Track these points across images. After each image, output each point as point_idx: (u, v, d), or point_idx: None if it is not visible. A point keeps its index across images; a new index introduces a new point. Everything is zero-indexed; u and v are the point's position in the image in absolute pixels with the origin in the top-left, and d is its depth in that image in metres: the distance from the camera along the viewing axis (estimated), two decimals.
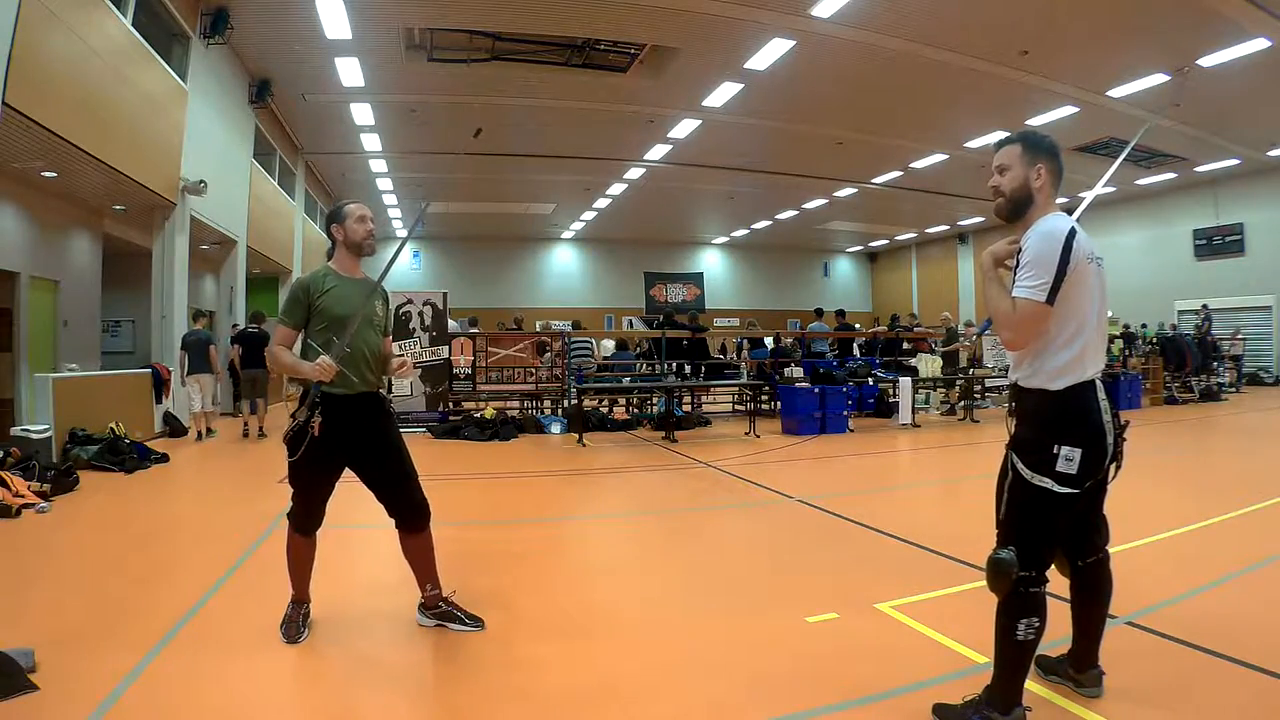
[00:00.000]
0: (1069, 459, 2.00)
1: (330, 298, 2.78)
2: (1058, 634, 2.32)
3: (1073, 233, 2.03)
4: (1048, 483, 2.02)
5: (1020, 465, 2.08)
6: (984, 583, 2.12)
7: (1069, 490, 2.02)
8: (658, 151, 16.14)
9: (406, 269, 24.58)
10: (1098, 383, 2.09)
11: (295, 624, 2.84)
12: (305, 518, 2.86)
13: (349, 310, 2.77)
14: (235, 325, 12.37)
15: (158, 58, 8.96)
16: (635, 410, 11.52)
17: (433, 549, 2.96)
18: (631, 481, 6.76)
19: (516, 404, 11.05)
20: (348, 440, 2.79)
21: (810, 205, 21.96)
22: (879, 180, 18.95)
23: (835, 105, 13.32)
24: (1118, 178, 18.22)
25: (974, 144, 15.39)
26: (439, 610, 2.95)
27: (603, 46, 11.26)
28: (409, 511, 2.87)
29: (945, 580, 3.47)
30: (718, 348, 16.28)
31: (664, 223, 24.80)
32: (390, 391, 9.74)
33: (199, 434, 9.28)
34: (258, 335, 9.85)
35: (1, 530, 4.60)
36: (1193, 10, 9.43)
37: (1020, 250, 2.08)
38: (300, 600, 2.92)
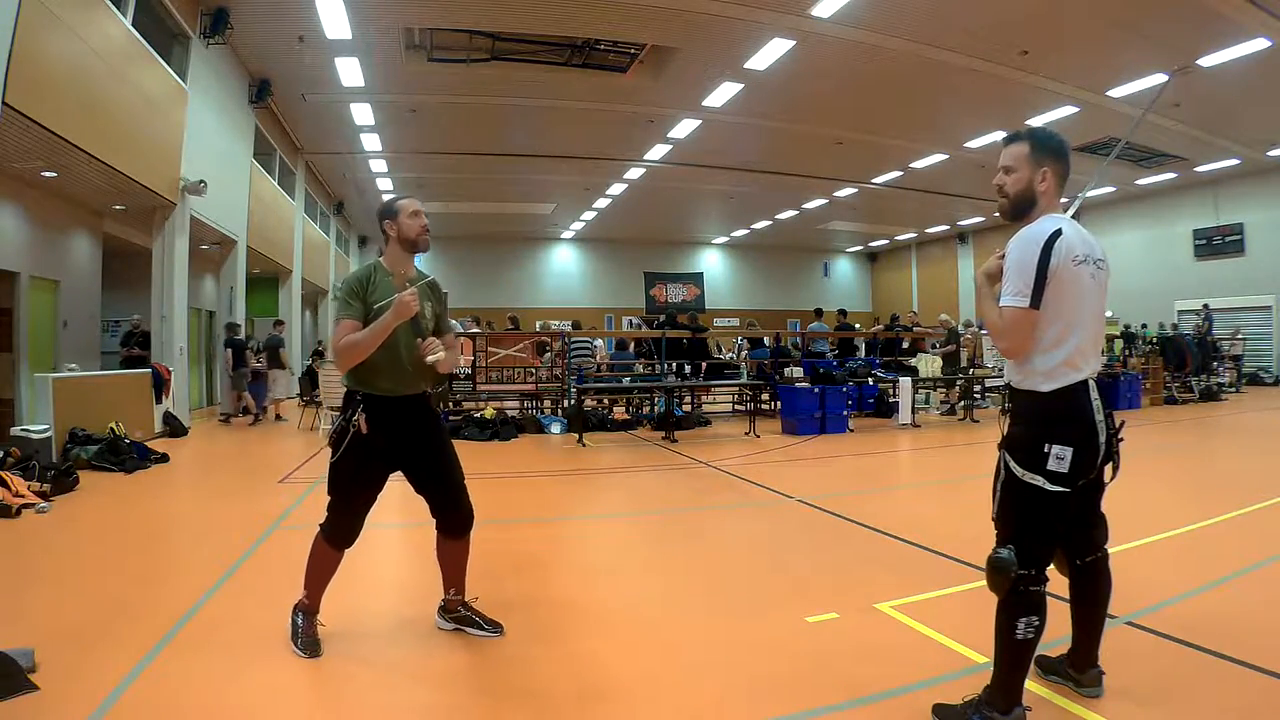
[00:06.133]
0: (1060, 457, 2.01)
1: (382, 293, 2.69)
2: (1058, 634, 2.32)
3: (1055, 235, 2.03)
4: (1039, 480, 2.03)
5: (1012, 463, 2.09)
6: (984, 582, 2.13)
7: (1060, 489, 2.03)
8: (658, 151, 16.14)
9: None
10: (1091, 383, 2.09)
11: (312, 638, 2.70)
12: (339, 530, 2.71)
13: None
14: (237, 325, 12.41)
15: (158, 58, 8.96)
16: (634, 410, 11.51)
17: (467, 556, 2.92)
18: (632, 481, 6.76)
19: (516, 404, 11.05)
20: (394, 444, 2.70)
21: (810, 205, 21.97)
22: (879, 180, 18.96)
23: (835, 105, 13.32)
24: (1118, 178, 18.28)
25: (974, 144, 15.40)
26: (459, 615, 2.92)
27: (603, 46, 11.26)
28: (455, 516, 2.83)
29: (945, 580, 3.47)
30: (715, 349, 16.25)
31: (664, 223, 24.81)
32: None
33: (276, 416, 11.51)
34: (278, 340, 11.96)
35: (1, 530, 4.60)
36: (1193, 10, 9.44)
37: (1004, 258, 2.12)
38: (314, 611, 2.78)
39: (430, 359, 2.65)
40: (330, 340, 2.61)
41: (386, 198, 2.96)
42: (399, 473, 2.80)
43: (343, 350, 2.59)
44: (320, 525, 2.76)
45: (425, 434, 2.79)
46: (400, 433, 2.72)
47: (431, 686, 2.52)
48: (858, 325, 19.35)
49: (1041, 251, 2.02)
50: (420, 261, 2.90)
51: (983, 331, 12.32)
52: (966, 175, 17.56)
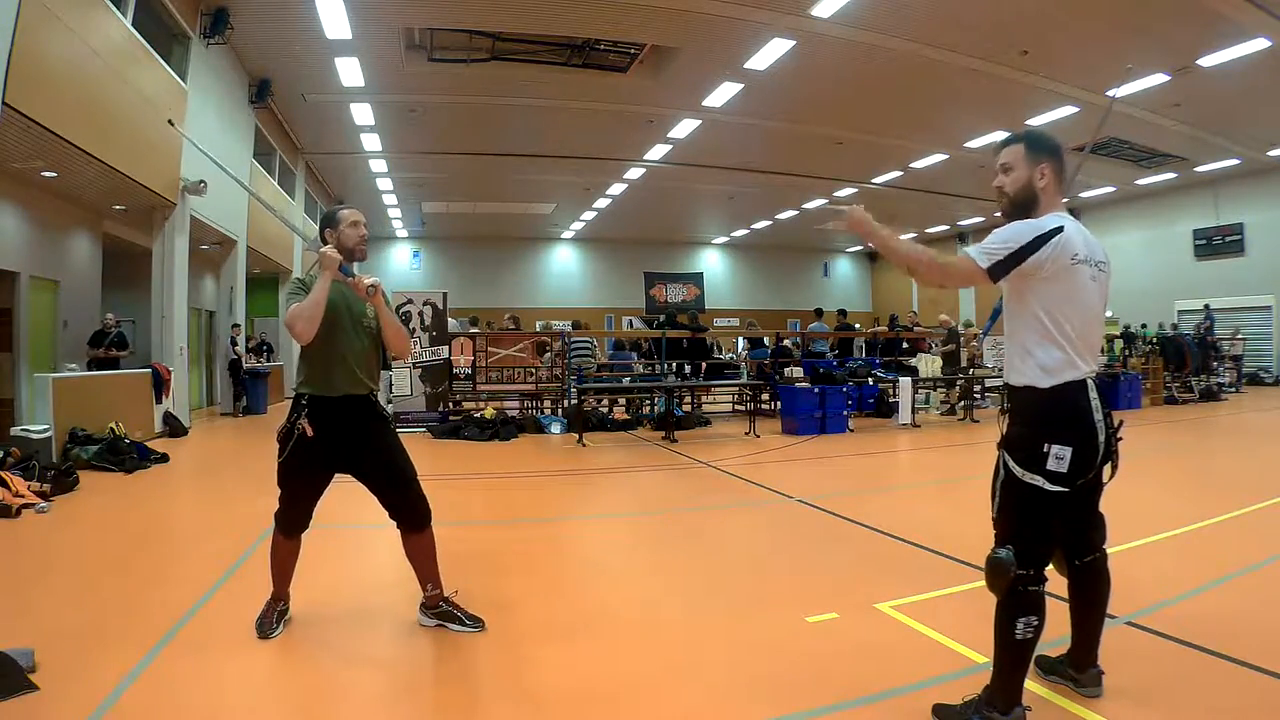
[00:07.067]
0: (1059, 457, 2.01)
1: None
2: (1058, 634, 2.32)
3: (1055, 230, 2.04)
4: (1039, 480, 2.03)
5: (1011, 463, 2.09)
6: (983, 582, 2.13)
7: (1059, 488, 2.03)
8: (658, 151, 16.14)
9: (406, 269, 24.63)
10: (1090, 382, 2.09)
11: (269, 620, 2.86)
12: (288, 519, 2.87)
13: (340, 310, 2.79)
14: (236, 325, 12.43)
15: (158, 58, 8.96)
16: (634, 410, 11.50)
17: (434, 549, 2.96)
18: (631, 481, 6.76)
19: (516, 404, 11.04)
20: (336, 445, 2.79)
21: (810, 205, 21.96)
22: (879, 180, 18.94)
23: (835, 105, 13.31)
24: (1118, 178, 18.28)
25: (974, 144, 15.39)
26: (439, 610, 2.95)
27: (603, 46, 11.26)
28: (408, 513, 2.88)
29: (945, 580, 3.47)
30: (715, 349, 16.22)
31: (664, 223, 24.79)
32: (391, 390, 9.74)
33: None
34: None
35: (1, 530, 4.60)
36: (1193, 10, 9.43)
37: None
38: (279, 598, 2.94)
39: (367, 283, 2.77)
40: (283, 321, 2.74)
41: (328, 209, 3.06)
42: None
43: (292, 318, 2.68)
44: (274, 514, 2.89)
45: (368, 435, 2.86)
46: (343, 435, 2.80)
47: (432, 687, 2.53)
48: (858, 325, 19.34)
49: (1035, 238, 2.03)
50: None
51: (986, 333, 12.32)
52: (966, 175, 17.55)
